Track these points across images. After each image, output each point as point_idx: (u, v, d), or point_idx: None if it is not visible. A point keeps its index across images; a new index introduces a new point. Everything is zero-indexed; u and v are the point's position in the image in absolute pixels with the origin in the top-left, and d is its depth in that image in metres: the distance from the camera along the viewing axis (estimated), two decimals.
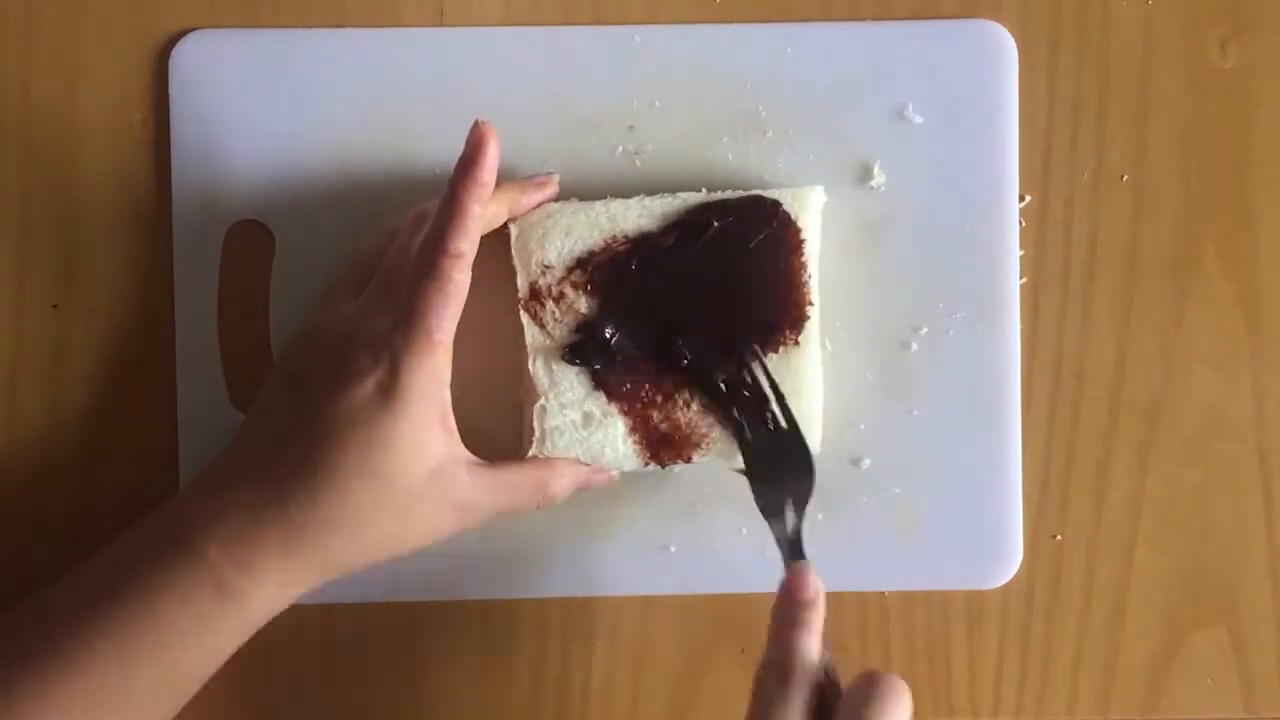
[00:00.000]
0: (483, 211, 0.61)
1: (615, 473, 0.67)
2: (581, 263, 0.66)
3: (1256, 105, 0.71)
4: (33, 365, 0.70)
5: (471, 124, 0.61)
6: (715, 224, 0.66)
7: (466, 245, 0.61)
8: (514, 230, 0.66)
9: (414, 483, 0.61)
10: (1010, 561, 0.70)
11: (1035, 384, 0.70)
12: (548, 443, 0.66)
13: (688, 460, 0.66)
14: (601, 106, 0.69)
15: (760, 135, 0.69)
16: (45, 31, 0.70)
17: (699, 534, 0.69)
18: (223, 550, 0.61)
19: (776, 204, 0.66)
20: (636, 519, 0.70)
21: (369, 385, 0.60)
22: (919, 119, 0.70)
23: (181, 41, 0.70)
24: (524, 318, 0.66)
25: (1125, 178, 0.71)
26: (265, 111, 0.70)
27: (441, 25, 0.70)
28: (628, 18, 0.70)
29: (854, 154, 0.69)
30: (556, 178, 0.67)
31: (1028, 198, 0.70)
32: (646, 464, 0.66)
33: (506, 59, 0.70)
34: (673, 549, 0.70)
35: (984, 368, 0.70)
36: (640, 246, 0.66)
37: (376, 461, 0.60)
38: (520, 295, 0.66)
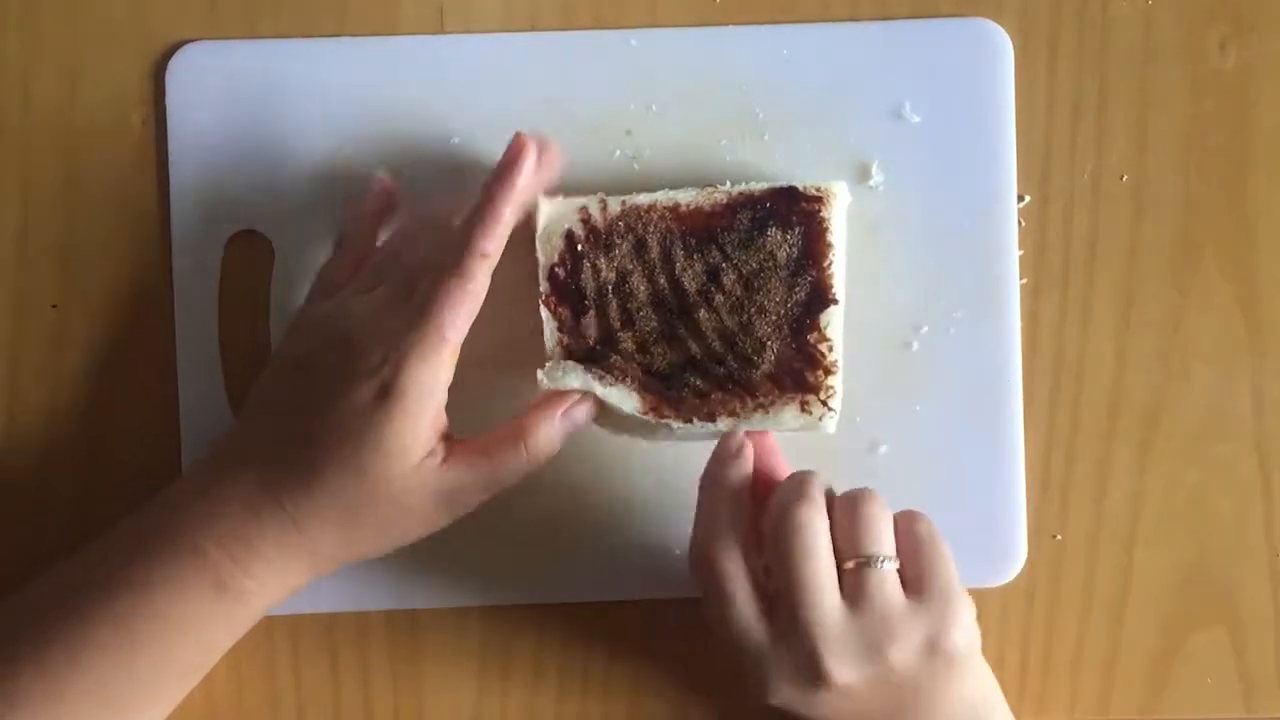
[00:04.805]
0: (513, 218, 0.63)
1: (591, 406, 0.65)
2: (603, 251, 0.66)
3: (1256, 105, 0.71)
4: (33, 365, 0.70)
5: (514, 134, 0.63)
6: (738, 216, 0.66)
7: (493, 247, 0.63)
8: (540, 221, 0.66)
9: (398, 478, 0.61)
10: (1014, 559, 0.70)
11: (1035, 384, 0.70)
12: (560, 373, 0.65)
13: (688, 421, 0.65)
14: (599, 111, 0.69)
15: (758, 137, 0.69)
16: (45, 35, 0.70)
17: None
18: (221, 548, 0.62)
19: (802, 193, 0.66)
20: (640, 523, 0.69)
21: (373, 385, 0.61)
22: (916, 118, 0.70)
23: (177, 54, 0.70)
24: (544, 312, 0.66)
25: (1125, 178, 0.71)
26: (263, 122, 0.70)
27: (441, 33, 0.70)
28: (627, 21, 0.70)
29: (852, 154, 0.69)
30: (557, 146, 0.66)
31: (1027, 198, 0.70)
32: (645, 414, 0.65)
33: (504, 65, 0.70)
34: (677, 552, 0.70)
35: (986, 366, 0.70)
36: (663, 239, 0.66)
37: (366, 461, 0.61)
38: (541, 290, 0.66)
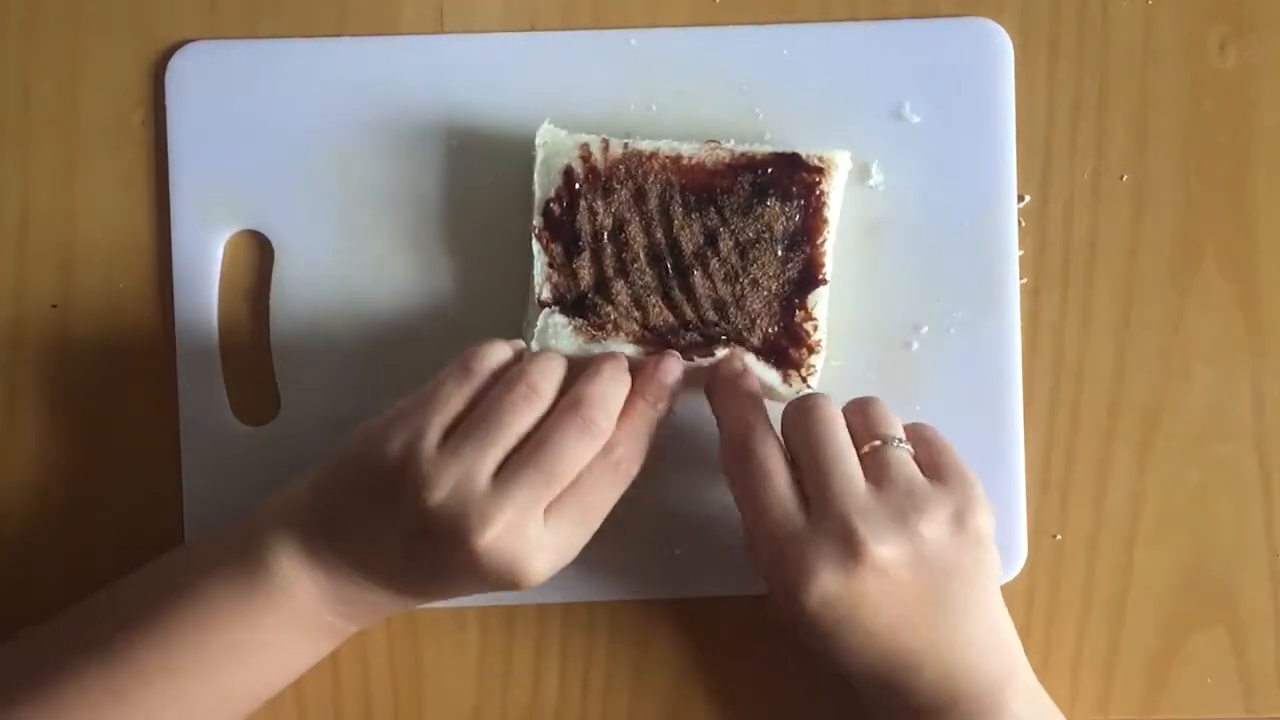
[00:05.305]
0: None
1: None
2: (601, 195, 0.66)
3: (1256, 105, 0.71)
4: (33, 365, 0.70)
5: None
6: (739, 180, 0.66)
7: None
8: (539, 155, 0.66)
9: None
10: (1014, 559, 0.70)
11: (1035, 384, 0.70)
12: (550, 332, 0.66)
13: (688, 359, 0.66)
14: (599, 111, 0.69)
15: (758, 137, 0.69)
16: (45, 35, 0.70)
17: (705, 537, 0.69)
18: (353, 622, 0.65)
19: (804, 161, 0.66)
20: (642, 523, 0.69)
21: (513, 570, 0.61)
22: (916, 118, 0.70)
23: (177, 54, 0.70)
24: (535, 247, 0.66)
25: (1125, 178, 0.71)
26: (263, 123, 0.70)
27: (441, 33, 0.70)
28: (627, 21, 0.70)
29: (852, 154, 0.69)
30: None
31: (1027, 198, 0.70)
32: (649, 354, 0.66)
33: (504, 65, 0.70)
34: (677, 552, 0.70)
35: (986, 365, 0.70)
36: (663, 192, 0.66)
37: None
38: (534, 224, 0.66)
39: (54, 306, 0.70)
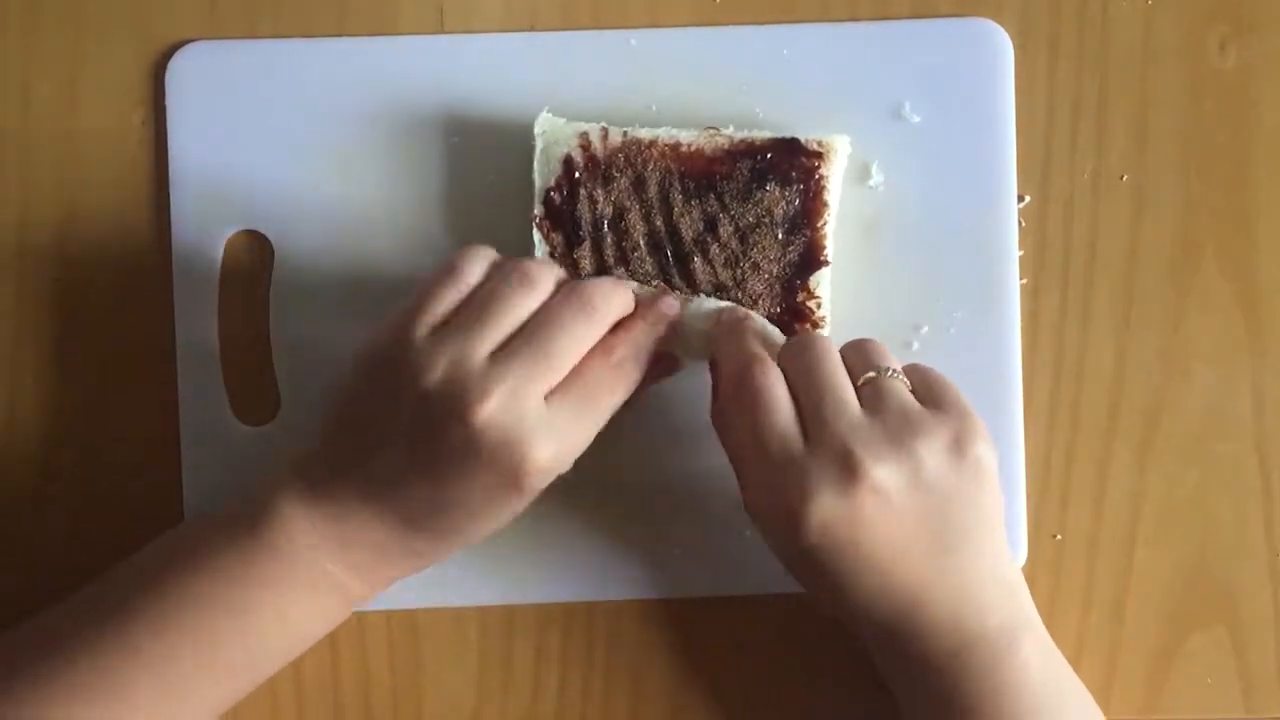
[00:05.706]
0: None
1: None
2: (601, 184, 0.66)
3: (1256, 105, 0.71)
4: (33, 365, 0.70)
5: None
6: (739, 166, 0.66)
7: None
8: (538, 144, 0.67)
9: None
10: (1014, 559, 0.70)
11: (1035, 384, 0.70)
12: None
13: (696, 292, 0.66)
14: (599, 111, 0.69)
15: None
16: (46, 35, 0.70)
17: (703, 537, 0.69)
18: (354, 575, 0.64)
19: (804, 146, 0.66)
20: (639, 523, 0.69)
21: (518, 479, 0.61)
22: (916, 118, 0.70)
23: (177, 54, 0.70)
24: (536, 236, 0.67)
25: (1125, 178, 0.71)
26: (263, 122, 0.70)
27: (441, 33, 0.71)
28: (627, 21, 0.70)
29: (852, 154, 0.69)
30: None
31: (1027, 198, 0.70)
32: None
33: (504, 65, 0.70)
34: (676, 552, 0.70)
35: (986, 366, 0.70)
36: (662, 179, 0.66)
37: (511, 513, 0.63)
38: (535, 213, 0.67)
39: (54, 305, 0.70)
